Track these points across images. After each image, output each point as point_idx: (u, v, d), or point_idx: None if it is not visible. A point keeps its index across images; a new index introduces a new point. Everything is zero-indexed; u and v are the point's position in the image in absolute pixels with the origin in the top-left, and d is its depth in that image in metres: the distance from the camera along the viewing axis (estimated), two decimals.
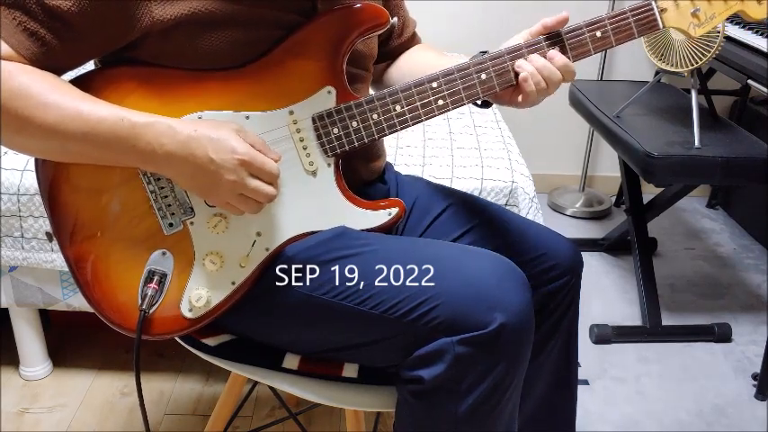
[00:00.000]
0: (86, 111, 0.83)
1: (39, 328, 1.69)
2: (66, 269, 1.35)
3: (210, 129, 0.86)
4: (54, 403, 1.66)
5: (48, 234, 1.48)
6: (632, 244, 2.13)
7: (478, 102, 1.03)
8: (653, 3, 0.95)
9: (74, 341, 1.86)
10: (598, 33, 0.94)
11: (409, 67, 1.16)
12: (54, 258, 1.50)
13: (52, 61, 0.86)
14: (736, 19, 2.06)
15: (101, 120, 0.83)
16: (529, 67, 0.93)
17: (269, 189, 0.88)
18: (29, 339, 1.69)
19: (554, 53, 0.94)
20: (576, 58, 0.95)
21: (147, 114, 0.85)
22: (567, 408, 1.19)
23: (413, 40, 1.21)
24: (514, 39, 0.97)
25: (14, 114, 0.82)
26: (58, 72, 0.88)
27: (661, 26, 0.95)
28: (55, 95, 0.83)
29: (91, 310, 0.96)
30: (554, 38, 0.94)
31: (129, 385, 1.72)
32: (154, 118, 0.85)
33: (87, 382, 1.73)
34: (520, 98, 0.96)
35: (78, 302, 1.60)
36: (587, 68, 2.69)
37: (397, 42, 1.18)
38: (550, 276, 1.08)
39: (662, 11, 0.95)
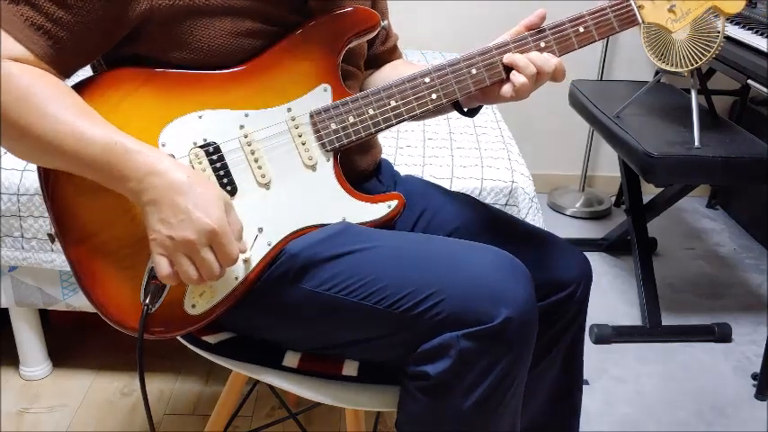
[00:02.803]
0: (81, 128, 0.82)
1: (39, 328, 1.69)
2: (66, 269, 1.34)
3: (201, 184, 0.84)
4: (54, 403, 1.66)
5: (49, 235, 1.48)
6: (632, 244, 2.13)
7: (465, 108, 1.04)
8: None
9: (74, 341, 1.86)
10: (581, 29, 0.97)
11: (395, 75, 1.16)
12: (54, 258, 1.50)
13: (62, 57, 0.86)
14: (737, 18, 2.06)
15: (93, 141, 0.82)
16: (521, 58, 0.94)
17: (215, 268, 0.85)
18: (29, 339, 1.69)
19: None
20: (561, 53, 0.97)
21: (142, 143, 0.84)
22: (567, 424, 1.18)
23: (395, 52, 1.23)
24: (498, 39, 0.98)
25: (13, 122, 0.81)
26: (68, 71, 0.88)
27: (640, 21, 0.97)
28: (54, 106, 0.82)
29: (91, 309, 0.95)
30: (538, 33, 0.97)
31: (129, 385, 1.72)
32: (147, 147, 0.84)
33: (87, 382, 1.73)
34: (508, 92, 0.96)
35: (78, 302, 1.60)
36: (587, 68, 2.69)
37: (380, 50, 1.19)
38: (555, 292, 1.08)
39: (639, 7, 0.97)
